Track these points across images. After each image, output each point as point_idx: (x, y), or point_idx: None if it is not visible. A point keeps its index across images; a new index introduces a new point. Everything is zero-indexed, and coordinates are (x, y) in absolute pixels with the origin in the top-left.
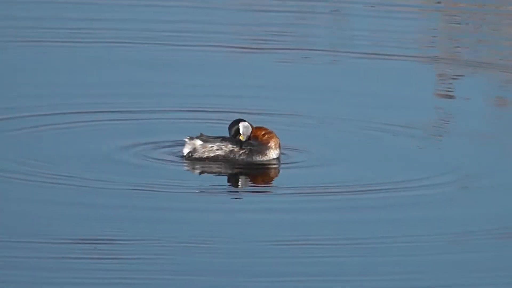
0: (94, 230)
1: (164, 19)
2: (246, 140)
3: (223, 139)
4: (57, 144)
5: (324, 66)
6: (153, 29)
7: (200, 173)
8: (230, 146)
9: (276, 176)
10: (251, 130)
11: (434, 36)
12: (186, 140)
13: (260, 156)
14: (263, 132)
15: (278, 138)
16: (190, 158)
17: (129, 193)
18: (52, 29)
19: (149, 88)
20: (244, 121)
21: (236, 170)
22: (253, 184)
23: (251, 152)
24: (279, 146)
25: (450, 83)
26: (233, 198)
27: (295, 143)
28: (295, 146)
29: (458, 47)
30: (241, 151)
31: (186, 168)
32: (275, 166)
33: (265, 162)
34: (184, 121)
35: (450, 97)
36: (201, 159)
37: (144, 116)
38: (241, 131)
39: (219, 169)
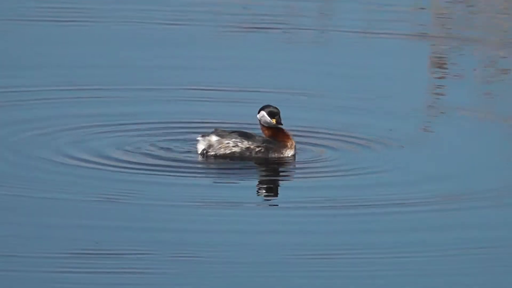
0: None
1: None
2: (278, 123)
3: (239, 134)
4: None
5: (314, 45)
6: (139, 9)
7: (215, 179)
8: (246, 143)
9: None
10: (264, 120)
11: (424, 14)
12: (199, 138)
13: (276, 154)
14: (281, 134)
15: (294, 141)
16: (205, 155)
17: (133, 202)
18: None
19: (138, 67)
20: (266, 108)
21: (252, 175)
22: (266, 195)
23: (267, 150)
24: (295, 148)
25: (442, 61)
26: (249, 209)
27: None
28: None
29: (449, 24)
30: (257, 149)
31: (200, 169)
32: (289, 173)
33: (281, 165)
34: (182, 101)
35: (442, 75)
36: (216, 157)
37: (135, 95)
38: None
39: (234, 173)
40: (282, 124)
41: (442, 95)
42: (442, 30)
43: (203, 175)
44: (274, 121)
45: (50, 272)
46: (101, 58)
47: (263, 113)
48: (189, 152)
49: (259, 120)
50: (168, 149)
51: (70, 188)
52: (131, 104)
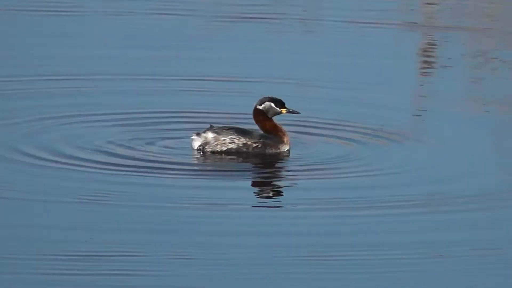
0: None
1: None
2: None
3: (236, 131)
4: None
5: (303, 35)
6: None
7: (211, 179)
8: (243, 140)
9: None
10: (273, 111)
11: (414, 3)
12: (193, 137)
13: (273, 149)
14: (277, 129)
15: (288, 136)
16: (201, 152)
17: (127, 201)
18: None
19: (128, 59)
20: (271, 100)
21: (248, 175)
22: (263, 196)
23: (264, 145)
24: (289, 143)
25: (431, 50)
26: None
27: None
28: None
29: (438, 13)
30: (254, 145)
31: (195, 169)
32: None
33: (277, 163)
34: (173, 92)
35: (432, 65)
36: (213, 153)
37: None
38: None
39: (231, 172)
40: (298, 112)
41: (431, 84)
42: (432, 19)
43: (198, 175)
44: (284, 110)
45: (41, 274)
46: (91, 50)
47: (269, 104)
48: (183, 149)
49: (267, 111)
50: (160, 146)
51: (59, 189)
52: (120, 95)
